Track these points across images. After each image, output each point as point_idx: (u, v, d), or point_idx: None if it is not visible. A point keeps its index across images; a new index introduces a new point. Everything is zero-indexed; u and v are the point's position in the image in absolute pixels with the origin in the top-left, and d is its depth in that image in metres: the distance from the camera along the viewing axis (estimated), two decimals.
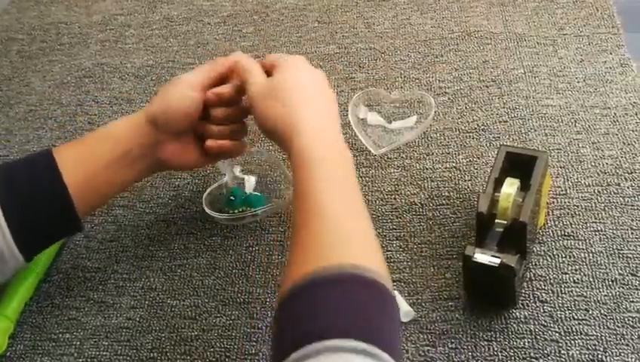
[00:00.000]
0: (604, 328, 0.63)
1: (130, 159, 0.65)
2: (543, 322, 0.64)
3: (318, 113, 0.61)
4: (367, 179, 0.78)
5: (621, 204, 0.72)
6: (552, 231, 0.70)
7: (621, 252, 0.68)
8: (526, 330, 0.63)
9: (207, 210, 0.74)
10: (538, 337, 0.63)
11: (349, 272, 0.48)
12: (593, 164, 0.76)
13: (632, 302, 0.64)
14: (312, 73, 0.66)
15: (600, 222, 0.70)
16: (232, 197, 0.74)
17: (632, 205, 0.71)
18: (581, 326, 0.63)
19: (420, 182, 0.77)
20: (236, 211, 0.74)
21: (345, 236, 0.52)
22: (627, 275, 0.66)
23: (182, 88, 0.66)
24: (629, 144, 0.77)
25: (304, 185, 0.55)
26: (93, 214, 0.80)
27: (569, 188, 0.74)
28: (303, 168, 0.56)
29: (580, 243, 0.69)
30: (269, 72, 0.66)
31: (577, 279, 0.66)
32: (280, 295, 0.50)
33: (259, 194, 0.77)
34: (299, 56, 0.67)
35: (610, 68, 0.86)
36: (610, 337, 0.62)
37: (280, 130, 0.61)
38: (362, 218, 0.55)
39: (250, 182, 0.78)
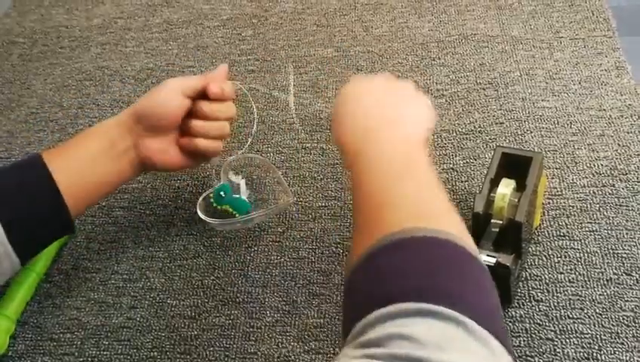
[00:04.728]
0: (599, 327, 0.63)
1: (114, 152, 0.67)
2: (539, 321, 0.64)
3: (369, 115, 0.59)
4: None
5: (616, 205, 0.72)
6: (548, 231, 0.71)
7: (616, 252, 0.68)
8: (522, 329, 0.64)
9: (201, 215, 0.73)
10: (534, 336, 0.63)
11: (419, 236, 0.45)
12: (588, 165, 0.77)
13: (627, 301, 0.65)
14: (371, 81, 0.64)
15: (595, 223, 0.71)
16: (221, 193, 0.74)
17: (627, 206, 0.72)
18: (576, 325, 0.64)
19: None
20: (219, 208, 0.74)
21: (417, 202, 0.50)
22: (622, 275, 0.67)
23: (171, 90, 0.69)
24: (623, 146, 0.78)
25: (360, 179, 0.53)
26: (93, 215, 0.80)
27: (564, 189, 0.75)
28: (357, 166, 0.55)
29: (575, 243, 0.70)
30: None
31: (572, 278, 0.67)
32: (346, 267, 0.48)
33: (246, 200, 0.77)
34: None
35: (606, 70, 0.87)
36: (604, 336, 0.63)
37: (336, 141, 0.61)
38: (438, 193, 0.52)
39: (242, 187, 0.78)
